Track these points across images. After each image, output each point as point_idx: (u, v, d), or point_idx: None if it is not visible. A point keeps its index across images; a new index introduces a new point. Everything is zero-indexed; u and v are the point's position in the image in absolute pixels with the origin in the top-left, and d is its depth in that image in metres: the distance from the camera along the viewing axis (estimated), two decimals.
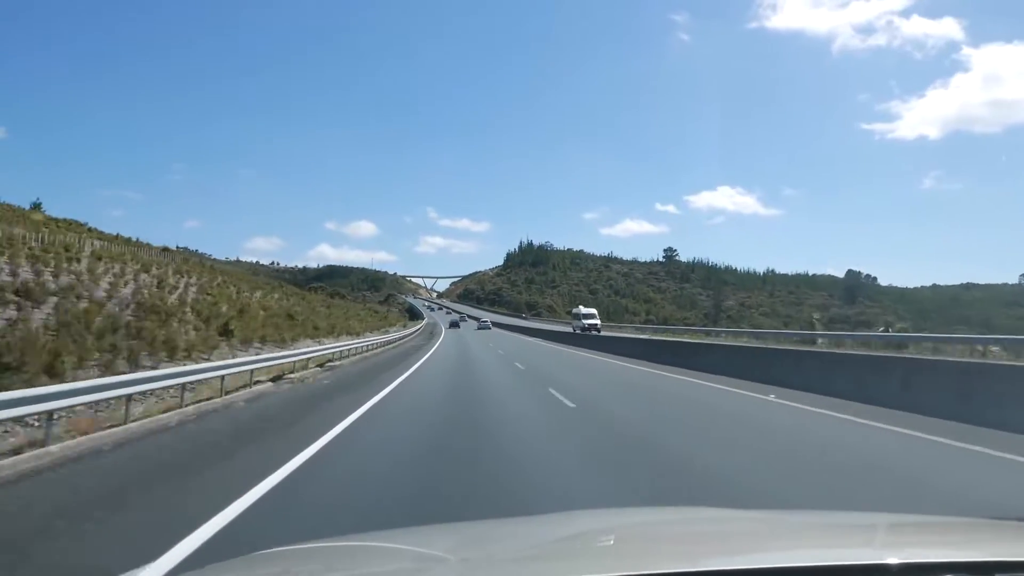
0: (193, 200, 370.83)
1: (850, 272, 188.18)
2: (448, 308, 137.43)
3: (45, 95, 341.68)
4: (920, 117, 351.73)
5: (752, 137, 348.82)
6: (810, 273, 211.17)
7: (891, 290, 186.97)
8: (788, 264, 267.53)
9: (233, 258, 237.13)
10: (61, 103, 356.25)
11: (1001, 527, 1.89)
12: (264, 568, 1.86)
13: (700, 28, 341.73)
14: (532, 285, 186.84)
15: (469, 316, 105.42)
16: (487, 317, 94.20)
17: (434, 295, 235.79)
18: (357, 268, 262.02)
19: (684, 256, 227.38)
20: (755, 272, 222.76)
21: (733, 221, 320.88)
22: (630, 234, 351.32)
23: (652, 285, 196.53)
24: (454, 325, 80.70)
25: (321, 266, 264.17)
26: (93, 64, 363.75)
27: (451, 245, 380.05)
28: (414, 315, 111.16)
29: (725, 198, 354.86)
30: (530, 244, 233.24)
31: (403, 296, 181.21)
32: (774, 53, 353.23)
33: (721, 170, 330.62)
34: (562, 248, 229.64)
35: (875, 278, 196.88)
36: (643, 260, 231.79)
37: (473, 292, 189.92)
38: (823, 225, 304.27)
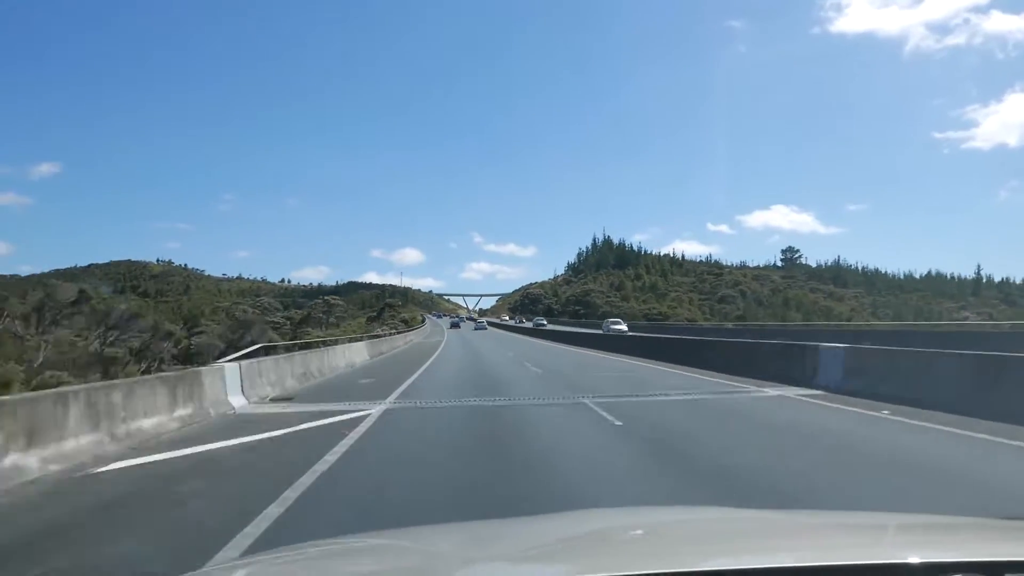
0: (243, 230, 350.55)
1: None
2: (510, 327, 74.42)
3: (96, 129, 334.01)
4: (1000, 122, 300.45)
5: (810, 152, 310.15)
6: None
7: None
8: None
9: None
10: (112, 137, 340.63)
11: (1009, 527, 1.81)
12: (268, 569, 1.87)
13: (757, 37, 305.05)
14: (619, 291, 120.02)
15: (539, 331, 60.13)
16: (483, 320, 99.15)
17: (476, 314, 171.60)
18: (380, 285, 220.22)
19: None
20: (938, 275, 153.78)
21: (789, 240, 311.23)
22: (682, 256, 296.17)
23: (817, 290, 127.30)
24: (454, 326, 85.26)
25: (341, 283, 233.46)
26: (143, 97, 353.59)
27: (497, 271, 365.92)
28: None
29: (780, 217, 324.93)
30: (607, 240, 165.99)
31: (423, 313, 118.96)
32: (838, 59, 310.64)
33: (776, 188, 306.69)
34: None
35: None
36: (753, 264, 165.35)
37: (539, 299, 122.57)
38: (887, 241, 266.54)
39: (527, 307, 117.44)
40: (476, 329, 76.05)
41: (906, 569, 1.19)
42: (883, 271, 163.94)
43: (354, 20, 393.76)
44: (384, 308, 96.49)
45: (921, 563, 1.18)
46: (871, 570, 1.22)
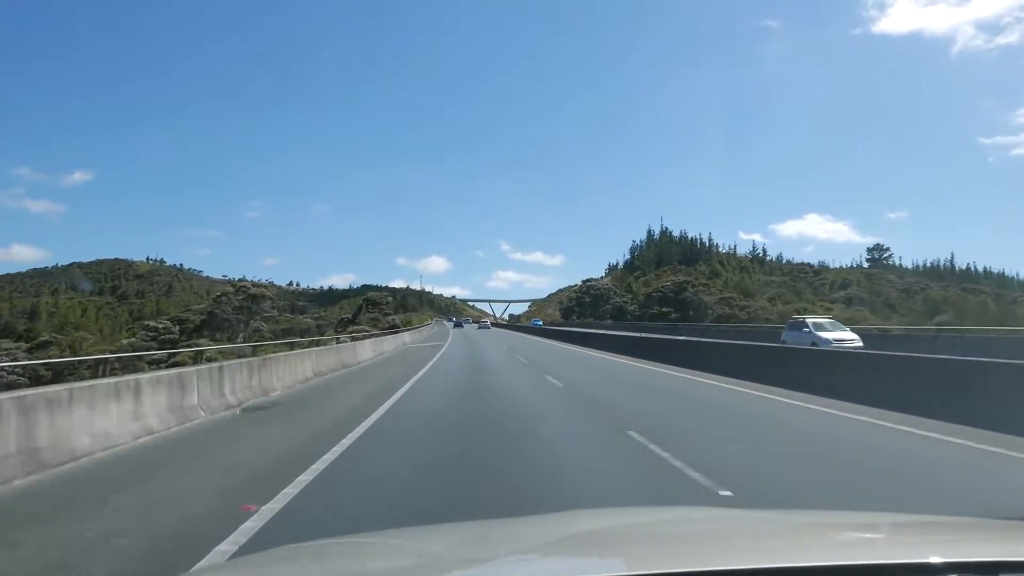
0: (271, 236, 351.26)
1: None
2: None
3: (127, 138, 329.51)
4: None
5: (847, 159, 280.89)
6: None
7: None
8: None
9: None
10: (142, 145, 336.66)
11: (1009, 527, 1.79)
12: (262, 568, 1.85)
13: (793, 38, 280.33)
14: (696, 289, 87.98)
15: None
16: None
17: (506, 318, 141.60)
18: (398, 289, 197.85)
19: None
20: None
21: (824, 250, 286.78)
22: None
23: (978, 291, 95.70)
24: (457, 325, 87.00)
25: (355, 287, 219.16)
26: (172, 105, 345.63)
27: (524, 280, 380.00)
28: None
29: (815, 226, 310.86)
30: (665, 233, 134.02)
31: (437, 318, 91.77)
32: (880, 61, 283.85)
33: (810, 197, 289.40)
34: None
35: None
36: (835, 266, 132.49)
37: (604, 296, 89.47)
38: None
39: (588, 307, 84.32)
40: (480, 328, 75.32)
41: (920, 569, 1.17)
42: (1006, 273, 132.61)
43: (381, 27, 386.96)
44: (361, 308, 66.20)
45: (943, 563, 1.16)
46: (886, 570, 1.21)
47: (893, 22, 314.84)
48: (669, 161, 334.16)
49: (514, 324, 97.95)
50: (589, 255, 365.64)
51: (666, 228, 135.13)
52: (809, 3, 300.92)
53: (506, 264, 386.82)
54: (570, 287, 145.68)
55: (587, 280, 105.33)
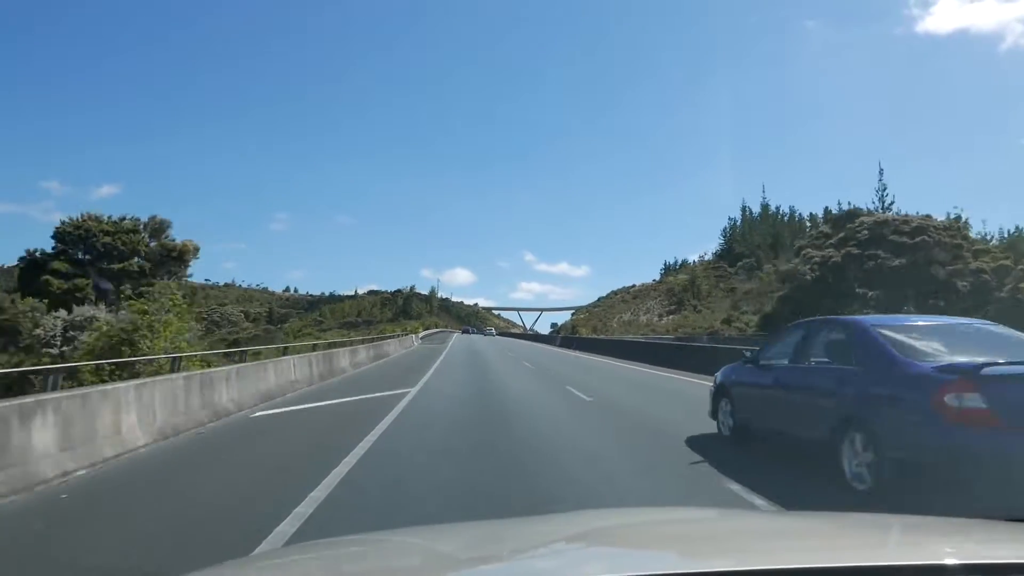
0: (296, 249, 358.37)
1: None
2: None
3: (154, 151, 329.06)
4: None
5: (883, 163, 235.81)
6: None
7: None
8: None
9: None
10: (169, 159, 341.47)
11: (1020, 528, 1.72)
12: (274, 567, 1.88)
13: (832, 39, 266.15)
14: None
15: None
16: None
17: (535, 330, 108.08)
18: (395, 291, 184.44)
19: None
20: None
21: None
22: None
23: None
24: (466, 332, 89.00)
25: (361, 293, 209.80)
26: (198, 119, 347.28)
27: (549, 291, 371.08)
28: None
29: None
30: (767, 208, 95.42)
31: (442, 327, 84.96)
32: (922, 61, 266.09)
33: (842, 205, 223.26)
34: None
35: None
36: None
37: (924, 250, 32.52)
38: None
39: (871, 276, 35.53)
40: (484, 335, 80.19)
41: (935, 570, 1.17)
42: None
43: (405, 42, 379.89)
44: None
45: (958, 564, 1.17)
46: (901, 571, 1.21)
47: (937, 20, 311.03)
48: (696, 170, 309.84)
49: (574, 338, 57.62)
50: (616, 266, 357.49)
51: (767, 204, 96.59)
52: (849, 3, 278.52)
53: (531, 275, 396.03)
54: (623, 289, 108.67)
55: (852, 210, 44.08)
